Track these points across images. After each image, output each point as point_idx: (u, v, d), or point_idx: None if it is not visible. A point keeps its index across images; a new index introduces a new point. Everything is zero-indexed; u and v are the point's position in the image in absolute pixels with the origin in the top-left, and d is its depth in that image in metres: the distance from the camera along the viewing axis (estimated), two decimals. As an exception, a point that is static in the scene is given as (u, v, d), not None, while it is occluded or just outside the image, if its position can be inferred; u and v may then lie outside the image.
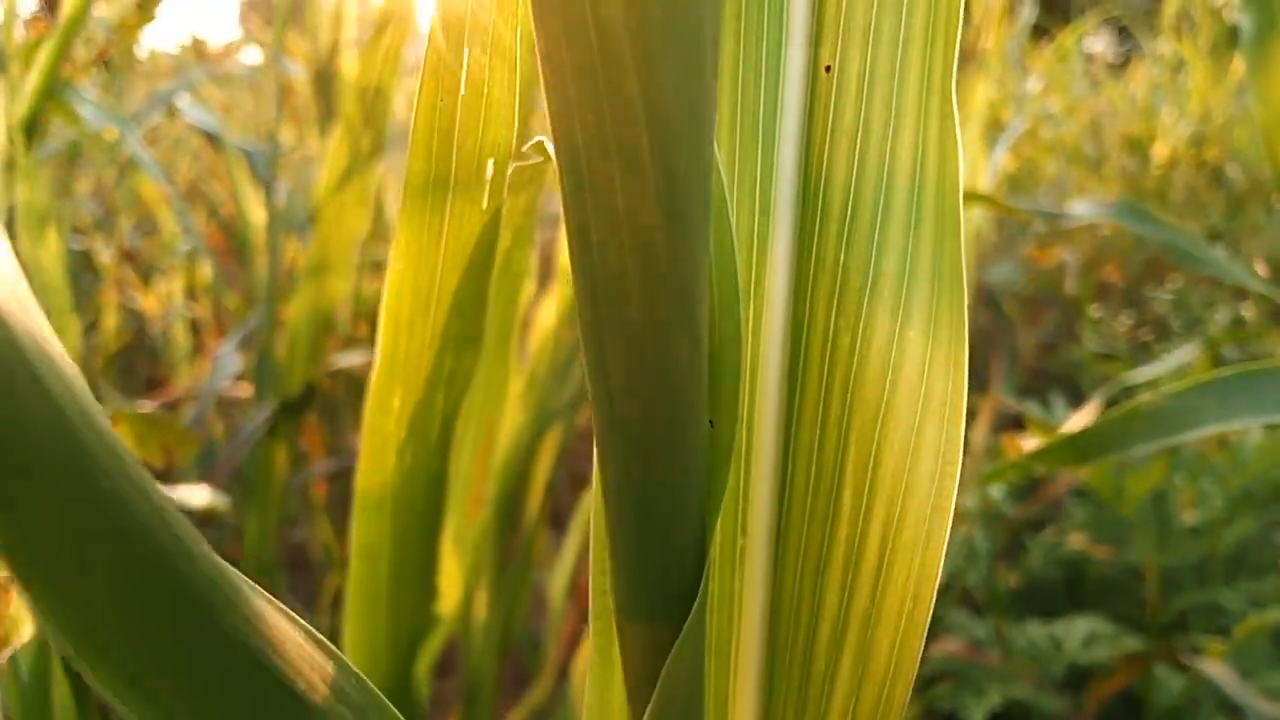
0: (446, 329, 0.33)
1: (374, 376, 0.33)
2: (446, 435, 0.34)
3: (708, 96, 0.20)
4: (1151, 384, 1.14)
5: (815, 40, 0.29)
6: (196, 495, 0.54)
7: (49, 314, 1.09)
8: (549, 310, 0.76)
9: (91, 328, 2.01)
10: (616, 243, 0.21)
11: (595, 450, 0.25)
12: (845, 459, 0.29)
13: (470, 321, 0.34)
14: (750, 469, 0.30)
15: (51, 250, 1.04)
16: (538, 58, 0.20)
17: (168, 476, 1.21)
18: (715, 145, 0.25)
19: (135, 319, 2.21)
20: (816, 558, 0.30)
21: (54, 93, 1.42)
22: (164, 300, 1.99)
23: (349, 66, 1.59)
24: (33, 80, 1.34)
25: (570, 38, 0.18)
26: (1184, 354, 1.07)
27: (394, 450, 0.34)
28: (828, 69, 0.29)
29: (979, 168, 1.38)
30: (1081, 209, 0.77)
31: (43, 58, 1.37)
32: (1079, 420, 1.00)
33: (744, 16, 0.29)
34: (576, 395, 0.77)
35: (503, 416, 0.63)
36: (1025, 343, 2.26)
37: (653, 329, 0.22)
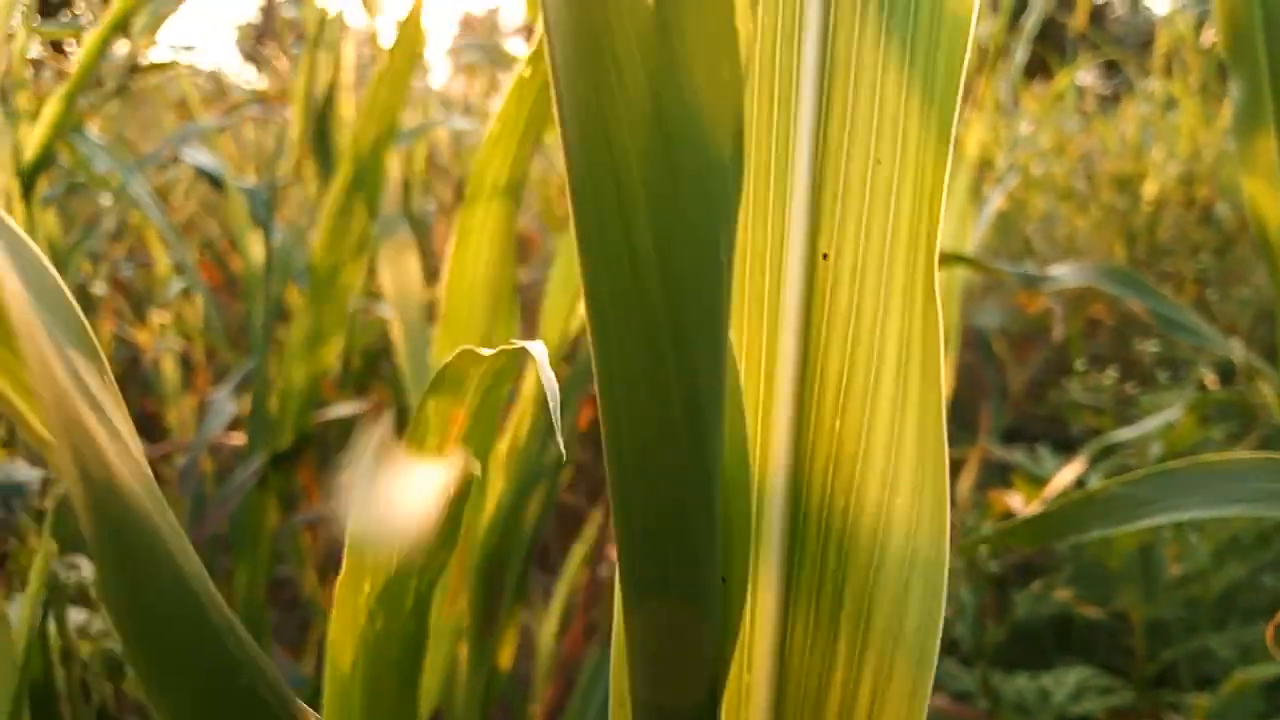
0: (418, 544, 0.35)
1: (343, 571, 0.35)
2: (422, 606, 0.34)
3: (724, 305, 0.24)
4: (1136, 442, 1.15)
5: (813, 231, 0.32)
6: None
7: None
8: (530, 377, 0.76)
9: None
10: (642, 429, 0.24)
11: (619, 594, 0.28)
12: (840, 612, 0.32)
13: (449, 532, 0.35)
14: (755, 617, 0.33)
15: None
16: (580, 280, 0.23)
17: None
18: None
19: (127, 348, 2.21)
20: (815, 700, 0.32)
21: (62, 136, 1.43)
22: (156, 334, 1.99)
23: (347, 109, 1.60)
24: (39, 132, 1.35)
25: (609, 265, 0.23)
26: (1168, 414, 1.08)
27: (363, 623, 0.35)
28: (825, 256, 0.32)
29: (967, 223, 1.39)
30: (1064, 272, 0.78)
31: (51, 107, 1.38)
32: (1065, 476, 1.01)
33: (751, 209, 0.32)
34: (559, 456, 0.78)
35: (482, 505, 0.64)
36: (1015, 381, 2.27)
37: (672, 498, 0.25)
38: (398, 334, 0.96)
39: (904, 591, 0.32)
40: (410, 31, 0.87)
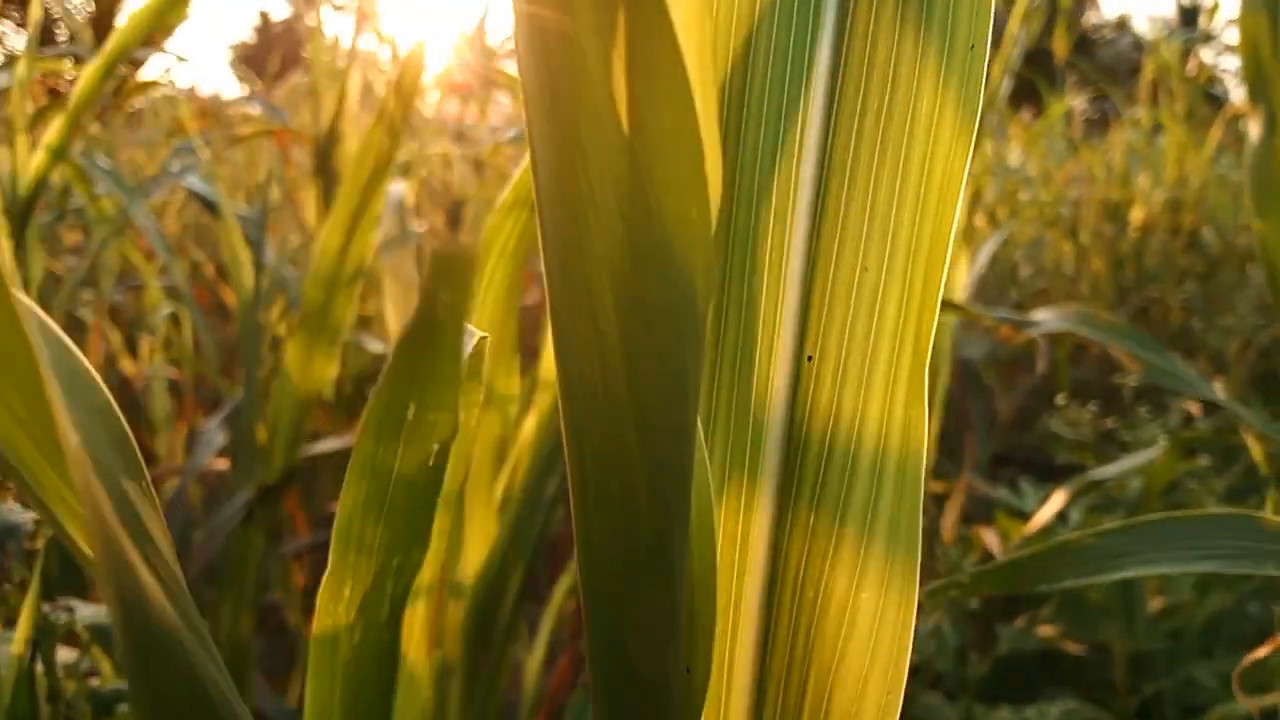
0: (394, 538, 0.36)
1: (326, 575, 0.36)
2: (396, 614, 0.36)
3: (691, 428, 0.26)
4: (1118, 477, 1.16)
5: (801, 334, 0.33)
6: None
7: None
8: (529, 423, 0.77)
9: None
10: (612, 526, 0.26)
11: (590, 682, 0.30)
12: (804, 700, 0.34)
13: (420, 529, 0.36)
14: (729, 700, 0.34)
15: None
16: (559, 395, 0.25)
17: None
18: (711, 433, 0.33)
19: (115, 373, 2.21)
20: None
21: (56, 166, 1.43)
22: (146, 361, 1.99)
23: (350, 138, 1.61)
24: (35, 163, 1.35)
25: (584, 386, 0.25)
26: (1149, 452, 1.09)
27: (344, 628, 0.36)
28: (809, 358, 0.33)
29: (960, 264, 1.41)
30: (1045, 318, 0.80)
31: (48, 138, 1.39)
32: (1046, 512, 1.02)
33: (744, 308, 0.34)
34: (554, 497, 0.79)
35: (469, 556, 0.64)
36: (1003, 408, 2.28)
37: (637, 587, 0.27)
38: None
39: (863, 683, 0.33)
40: (410, 77, 0.88)
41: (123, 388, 2.23)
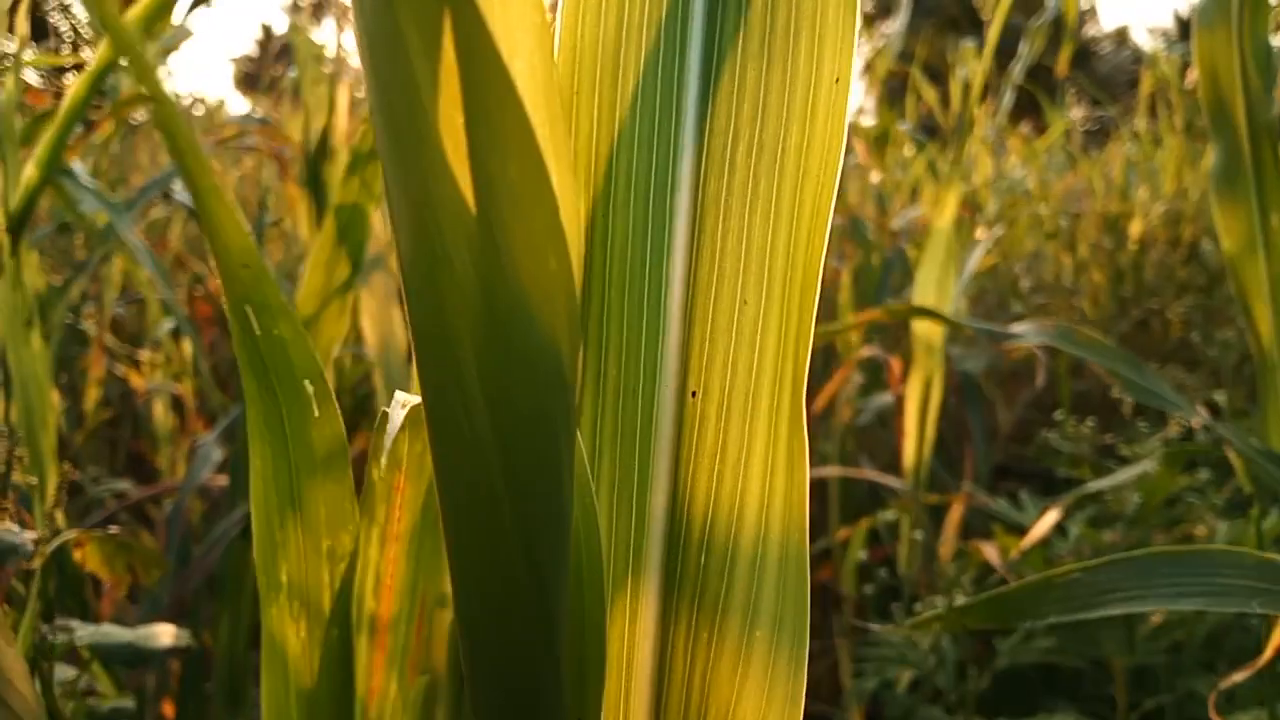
0: (314, 514, 0.36)
1: (255, 554, 0.36)
2: (343, 606, 0.36)
3: (564, 476, 0.26)
4: (1116, 491, 1.16)
5: (683, 369, 0.33)
6: (163, 636, 0.55)
7: (31, 407, 1.10)
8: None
9: (71, 391, 2.02)
10: (486, 589, 0.27)
11: None
12: None
13: (342, 509, 0.37)
14: None
15: (35, 349, 1.06)
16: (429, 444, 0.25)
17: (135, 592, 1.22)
18: (596, 472, 0.33)
19: (119, 385, 2.22)
20: None
21: (50, 179, 1.43)
22: (147, 375, 2.00)
23: (340, 151, 1.62)
24: (26, 175, 1.36)
25: (451, 438, 0.25)
26: (1144, 465, 1.09)
27: (289, 624, 0.36)
28: (693, 394, 0.33)
29: (949, 276, 1.41)
30: (1026, 331, 0.80)
31: (38, 150, 1.39)
32: (1042, 525, 1.02)
33: (625, 346, 0.34)
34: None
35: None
36: (1003, 420, 2.28)
37: (518, 656, 0.27)
38: (380, 382, 0.97)
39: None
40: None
41: (124, 401, 2.24)
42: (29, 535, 0.55)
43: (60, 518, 0.70)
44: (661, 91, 0.33)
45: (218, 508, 1.73)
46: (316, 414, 0.32)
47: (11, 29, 1.62)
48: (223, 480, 1.50)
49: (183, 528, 1.16)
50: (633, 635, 0.34)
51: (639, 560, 0.33)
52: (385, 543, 0.35)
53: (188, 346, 1.95)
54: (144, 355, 2.08)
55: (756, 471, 0.33)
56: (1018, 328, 0.79)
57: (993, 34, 1.99)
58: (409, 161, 0.22)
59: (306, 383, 0.32)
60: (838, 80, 0.32)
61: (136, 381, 1.98)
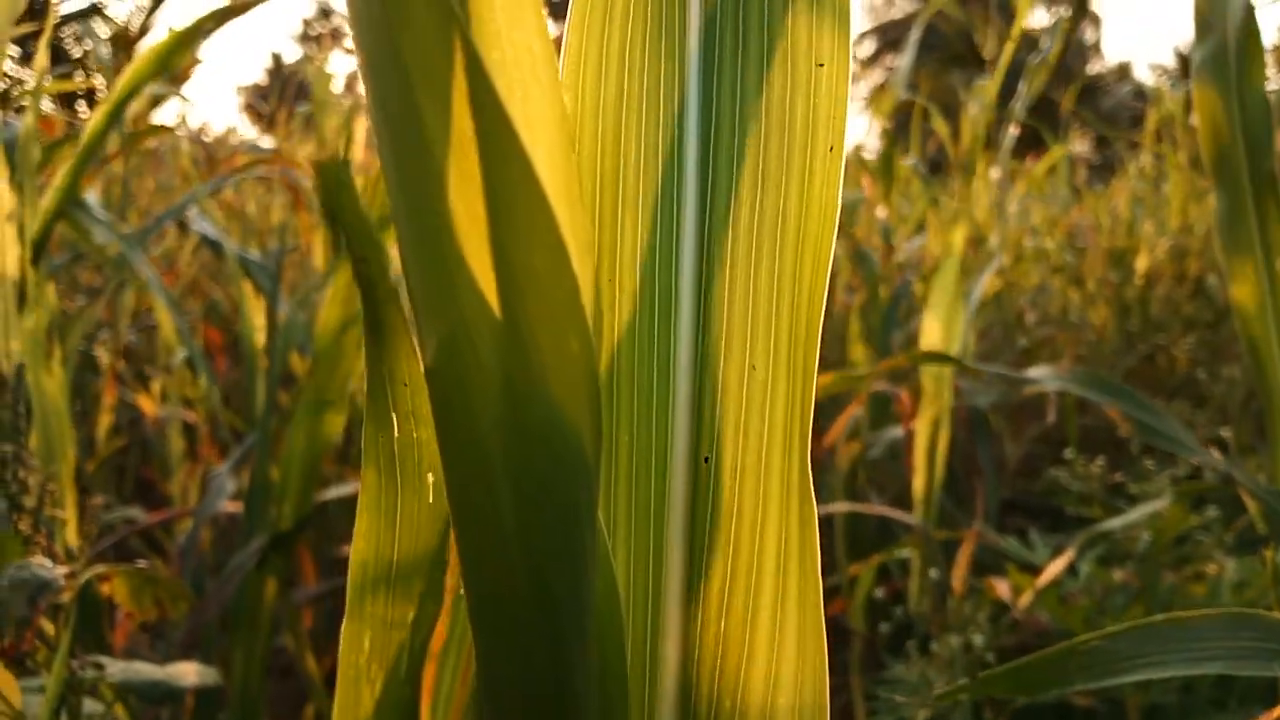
0: (408, 587, 0.37)
1: (345, 621, 0.37)
2: (416, 668, 0.36)
3: (587, 556, 0.26)
4: (1126, 529, 1.16)
5: (695, 435, 0.34)
6: (186, 675, 0.56)
7: (50, 435, 1.11)
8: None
9: (83, 418, 2.02)
10: (509, 668, 0.28)
11: None
12: None
13: (433, 580, 0.37)
14: None
15: (56, 378, 1.07)
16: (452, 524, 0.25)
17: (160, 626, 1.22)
18: (612, 539, 0.33)
19: (128, 410, 2.22)
20: None
21: (66, 211, 1.45)
22: (159, 402, 2.01)
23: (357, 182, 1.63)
24: (45, 204, 1.37)
25: (476, 522, 0.25)
26: (1155, 504, 1.09)
27: (365, 683, 0.37)
28: (706, 460, 0.34)
29: (956, 316, 1.42)
30: (1045, 376, 0.81)
31: (58, 178, 1.41)
32: (1055, 567, 1.02)
33: (635, 413, 0.34)
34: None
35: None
36: (1010, 455, 2.28)
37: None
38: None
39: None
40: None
41: (133, 426, 2.25)
42: (60, 569, 0.56)
43: (84, 549, 0.70)
44: (663, 158, 0.34)
45: (226, 535, 1.73)
46: (431, 501, 0.33)
47: (28, 61, 1.63)
48: (231, 507, 1.51)
49: (196, 560, 1.17)
50: (654, 696, 0.34)
51: (657, 630, 0.34)
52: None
53: (201, 373, 1.96)
54: (155, 382, 2.09)
55: (772, 532, 0.33)
56: (1034, 372, 0.80)
57: (998, 73, 2.01)
58: (429, 246, 0.22)
59: (430, 475, 0.33)
60: (832, 149, 0.33)
61: (147, 407, 1.99)
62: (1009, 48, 1.94)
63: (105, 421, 1.90)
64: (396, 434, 0.31)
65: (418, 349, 0.26)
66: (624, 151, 0.34)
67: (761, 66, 0.34)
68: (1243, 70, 0.88)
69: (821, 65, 0.33)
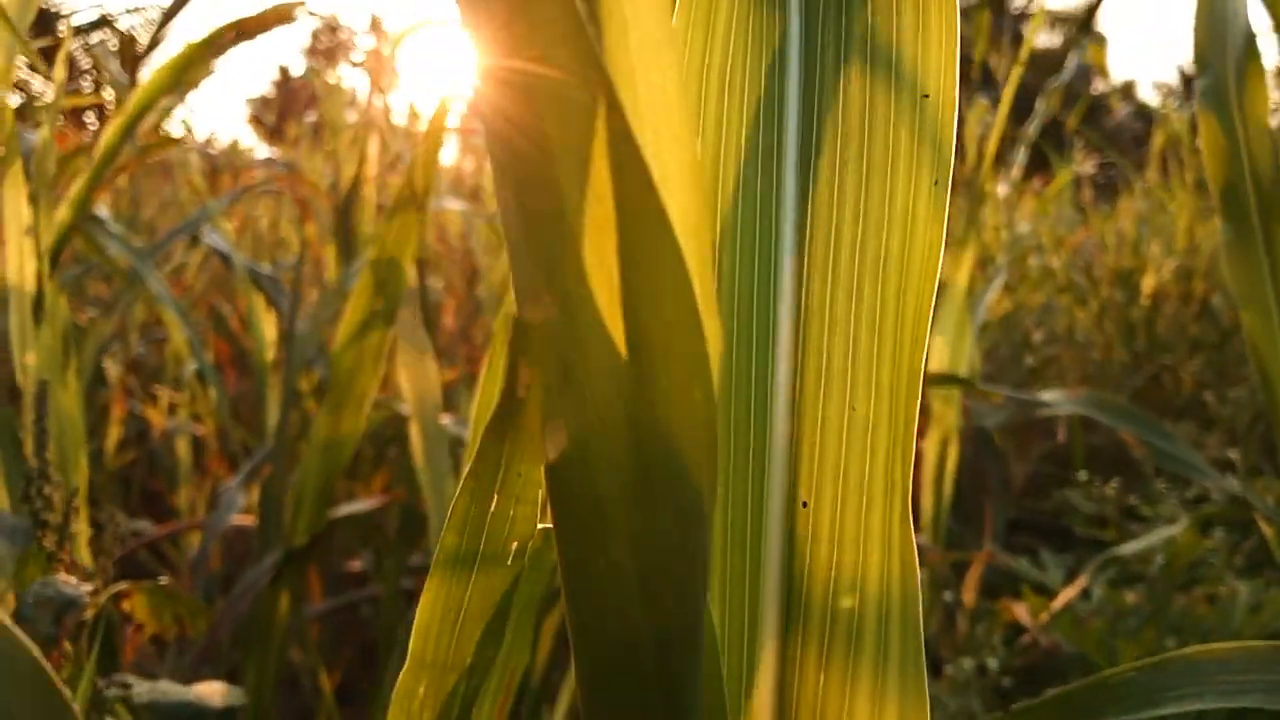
0: (467, 646, 0.37)
1: (404, 671, 0.37)
2: (466, 714, 0.36)
3: (701, 607, 0.26)
4: (1142, 555, 1.16)
5: (792, 479, 0.33)
6: (213, 696, 0.56)
7: (65, 448, 1.11)
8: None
9: (92, 431, 2.02)
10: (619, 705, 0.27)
11: None
12: None
13: (496, 630, 0.37)
14: None
15: (71, 392, 1.07)
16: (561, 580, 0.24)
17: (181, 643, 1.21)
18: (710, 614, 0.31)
19: (135, 422, 2.22)
20: None
21: (81, 220, 1.45)
22: (167, 415, 2.01)
23: (369, 200, 1.64)
24: (59, 217, 1.38)
25: (590, 578, 0.25)
26: (1170, 529, 1.09)
27: None
28: (804, 504, 0.33)
29: (964, 336, 1.42)
30: (1058, 400, 0.81)
31: (72, 192, 1.42)
32: (1071, 591, 1.02)
33: (732, 454, 0.33)
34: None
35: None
36: (1017, 473, 2.28)
37: None
38: (415, 437, 0.98)
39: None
40: (431, 152, 0.90)
41: (140, 438, 2.25)
42: (86, 587, 0.56)
43: (106, 565, 0.70)
44: (761, 196, 0.33)
45: (233, 548, 1.73)
46: (509, 564, 0.33)
47: (47, 74, 1.64)
48: (238, 520, 1.50)
49: (206, 576, 1.17)
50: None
51: (752, 680, 0.33)
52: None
53: (210, 387, 1.96)
54: (163, 394, 2.09)
55: (874, 579, 0.32)
56: (1049, 396, 0.80)
57: (1007, 93, 2.02)
58: (553, 295, 0.22)
59: (514, 544, 0.33)
60: (936, 183, 0.32)
61: (155, 420, 1.99)
62: (1017, 71, 1.95)
63: (114, 434, 1.90)
64: (493, 509, 0.31)
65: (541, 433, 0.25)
66: (723, 188, 0.34)
67: (864, 98, 0.33)
68: (1244, 102, 0.89)
69: (927, 96, 0.32)
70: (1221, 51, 0.92)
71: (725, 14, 0.34)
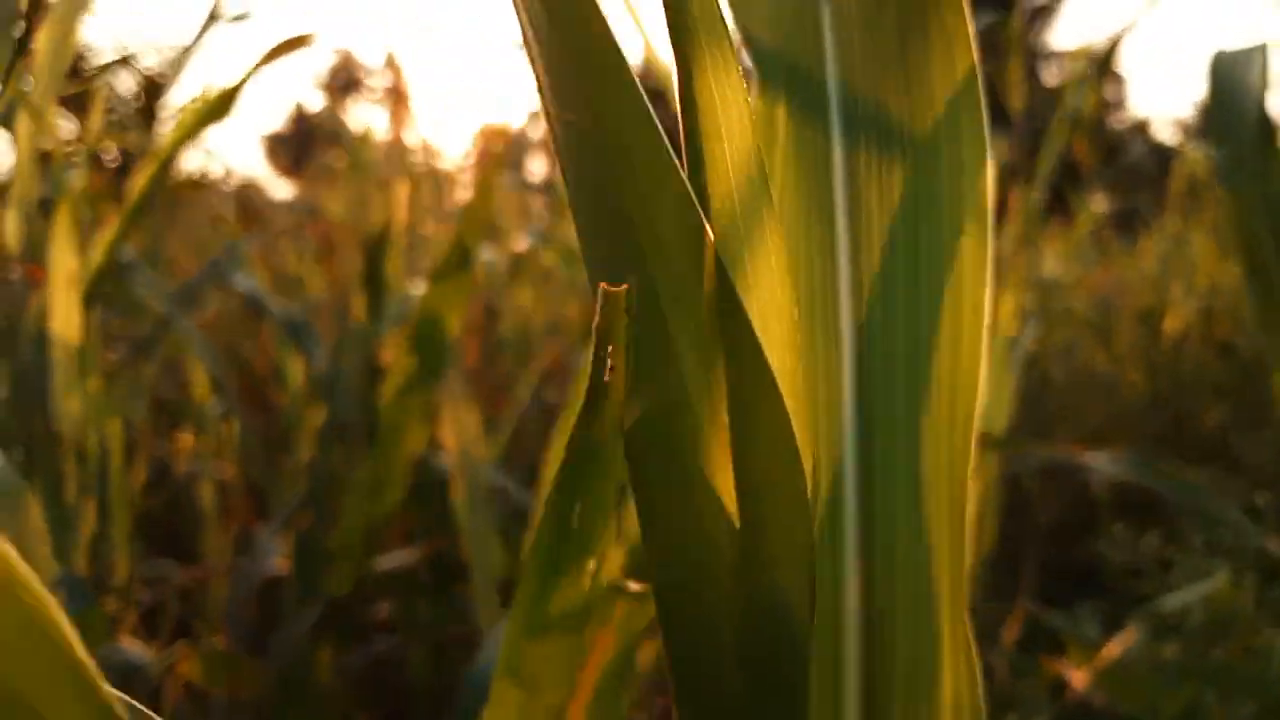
0: (550, 674, 0.37)
1: (487, 707, 0.37)
2: None
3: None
4: (1181, 610, 1.15)
5: (868, 592, 0.34)
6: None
7: (111, 491, 1.11)
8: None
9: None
10: None
11: None
12: None
13: (574, 666, 0.37)
14: None
15: (115, 439, 1.07)
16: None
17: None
18: None
19: (158, 463, 2.22)
20: None
21: (115, 260, 1.47)
22: (190, 458, 2.01)
23: (398, 244, 1.65)
24: (94, 255, 1.39)
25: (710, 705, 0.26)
26: (1210, 583, 1.09)
27: None
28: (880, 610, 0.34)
29: (1003, 394, 1.42)
30: (1099, 462, 0.81)
31: (106, 233, 1.43)
32: (1117, 647, 1.01)
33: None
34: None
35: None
36: (1044, 518, 2.26)
37: None
38: (459, 491, 0.98)
39: None
40: (478, 212, 0.91)
41: (162, 478, 2.25)
42: (151, 651, 0.56)
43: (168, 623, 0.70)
44: (820, 322, 0.34)
45: (262, 596, 1.72)
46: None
47: (80, 120, 1.66)
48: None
49: (243, 625, 1.16)
50: None
51: None
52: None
53: (235, 430, 1.97)
54: (187, 435, 2.10)
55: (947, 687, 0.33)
56: (1092, 459, 0.80)
57: (1050, 141, 2.03)
58: (669, 460, 0.23)
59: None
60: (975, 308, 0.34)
61: (179, 461, 1.99)
62: (1058, 137, 1.97)
63: (140, 477, 1.90)
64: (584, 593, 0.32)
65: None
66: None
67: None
68: (1263, 173, 0.89)
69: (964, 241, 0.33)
70: (1236, 128, 0.93)
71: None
